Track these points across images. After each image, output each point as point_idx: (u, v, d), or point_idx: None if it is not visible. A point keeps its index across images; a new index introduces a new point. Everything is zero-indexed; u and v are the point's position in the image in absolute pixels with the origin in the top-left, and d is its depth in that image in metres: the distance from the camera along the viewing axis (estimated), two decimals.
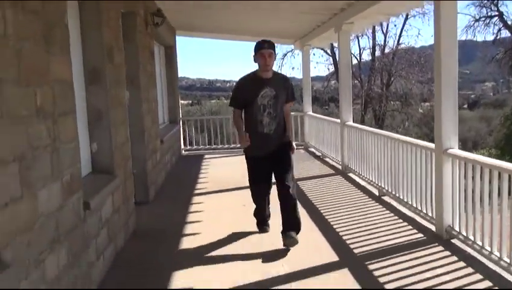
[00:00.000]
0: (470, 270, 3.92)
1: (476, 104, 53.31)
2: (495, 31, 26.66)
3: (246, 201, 5.75)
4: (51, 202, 2.98)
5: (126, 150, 5.26)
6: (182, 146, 12.25)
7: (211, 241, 4.92)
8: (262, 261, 4.34)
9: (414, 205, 5.36)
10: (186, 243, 4.96)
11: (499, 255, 3.87)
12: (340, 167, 8.73)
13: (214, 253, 4.60)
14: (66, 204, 3.25)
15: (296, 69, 30.47)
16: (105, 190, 4.14)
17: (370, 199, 6.20)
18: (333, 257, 4.38)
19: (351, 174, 8.03)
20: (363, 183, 7.24)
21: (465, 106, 51.95)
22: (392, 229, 5.03)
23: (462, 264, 4.04)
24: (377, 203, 5.93)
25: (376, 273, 3.88)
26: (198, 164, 10.20)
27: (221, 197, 7.06)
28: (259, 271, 4.10)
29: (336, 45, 19.54)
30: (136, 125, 6.28)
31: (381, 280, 3.74)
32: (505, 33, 26.57)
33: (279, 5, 7.72)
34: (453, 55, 4.72)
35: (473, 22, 26.91)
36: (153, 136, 7.34)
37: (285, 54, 25.08)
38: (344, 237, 4.90)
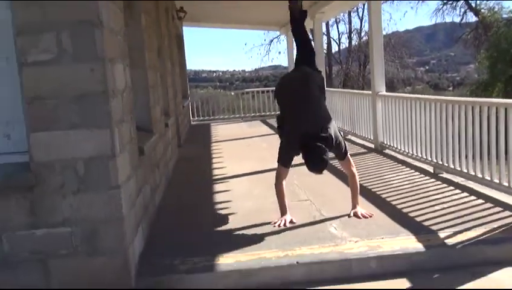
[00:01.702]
0: (391, 161, 6.70)
1: (460, 85, 55.47)
2: (461, 14, 29.43)
3: (247, 144, 8.49)
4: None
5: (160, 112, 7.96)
6: (191, 117, 14.93)
7: (230, 162, 7.65)
8: None
9: (363, 135, 8.15)
10: (214, 162, 7.70)
11: (407, 152, 6.62)
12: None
13: (234, 169, 7.34)
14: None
15: (282, 54, 33.10)
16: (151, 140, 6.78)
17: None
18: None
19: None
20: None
21: (450, 88, 53.19)
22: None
23: (389, 160, 6.80)
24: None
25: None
26: (207, 128, 12.95)
27: (229, 143, 9.82)
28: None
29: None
30: (171, 92, 8.95)
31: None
32: (470, 15, 29.32)
33: None
34: (379, 38, 7.50)
35: (441, 6, 29.80)
36: (178, 103, 10.01)
37: (272, 40, 27.78)
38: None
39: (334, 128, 4.14)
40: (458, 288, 3.15)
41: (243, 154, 8.24)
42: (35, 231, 3.11)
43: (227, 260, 3.50)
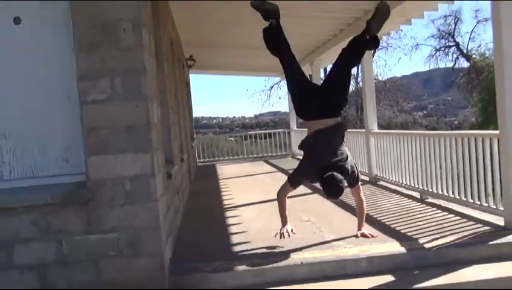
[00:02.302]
0: (383, 190, 7.45)
1: (459, 129, 56.34)
2: (453, 60, 30.68)
3: (252, 180, 9.25)
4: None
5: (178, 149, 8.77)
6: (197, 159, 15.74)
7: (238, 195, 8.40)
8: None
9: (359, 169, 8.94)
10: (223, 194, 8.44)
11: (397, 181, 7.39)
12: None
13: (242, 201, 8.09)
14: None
15: (282, 98, 34.27)
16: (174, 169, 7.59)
17: None
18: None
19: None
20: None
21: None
22: None
23: (382, 190, 7.56)
24: None
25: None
26: (212, 168, 13.72)
27: (235, 180, 10.58)
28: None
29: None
30: (183, 132, 9.78)
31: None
32: (463, 60, 30.56)
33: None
34: (370, 82, 8.40)
35: (434, 52, 31.13)
36: (188, 143, 10.83)
37: (272, 86, 28.91)
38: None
39: (350, 159, 4.56)
40: (433, 280, 3.87)
41: (249, 188, 9.00)
42: (90, 237, 3.86)
43: (243, 263, 4.23)
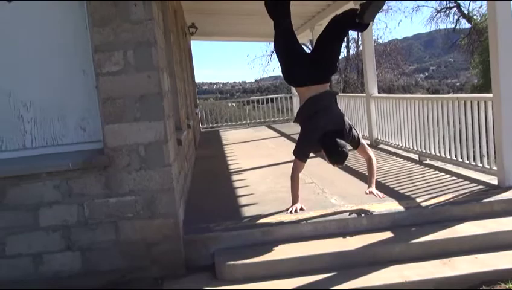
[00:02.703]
0: (384, 153, 7.71)
1: (460, 91, 56.25)
2: (454, 21, 30.55)
3: (256, 145, 9.51)
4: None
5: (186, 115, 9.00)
6: (200, 125, 15.99)
7: (243, 159, 8.68)
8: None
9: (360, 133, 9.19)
10: (229, 159, 8.71)
11: (397, 144, 7.64)
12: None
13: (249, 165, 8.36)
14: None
15: None
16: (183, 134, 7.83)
17: None
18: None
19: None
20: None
21: (451, 94, 54.35)
22: None
23: (382, 153, 7.81)
24: None
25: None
26: (216, 134, 13.99)
27: (239, 145, 10.85)
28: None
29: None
30: (188, 99, 10.00)
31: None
32: (464, 22, 30.45)
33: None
34: (370, 46, 8.56)
35: (435, 14, 30.97)
36: (192, 109, 11.06)
37: (273, 52, 28.87)
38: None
39: (347, 122, 4.70)
40: (429, 236, 4.16)
41: (254, 153, 9.28)
42: (109, 199, 4.13)
43: (252, 222, 4.53)
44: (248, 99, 18.28)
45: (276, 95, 17.56)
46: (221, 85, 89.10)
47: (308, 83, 4.65)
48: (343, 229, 4.39)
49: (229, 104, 21.28)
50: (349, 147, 4.58)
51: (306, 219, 4.46)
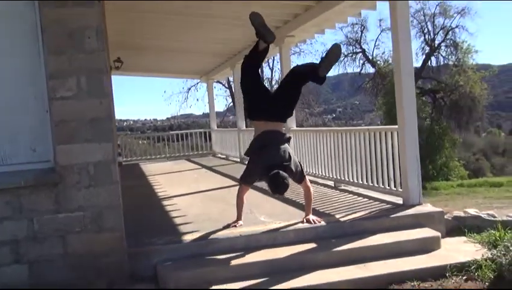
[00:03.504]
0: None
1: None
2: (360, 65, 32.74)
3: (179, 175, 9.92)
4: None
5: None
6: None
7: (170, 187, 9.05)
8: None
9: None
10: (155, 188, 9.04)
11: (314, 173, 8.32)
12: (238, 158, 12.74)
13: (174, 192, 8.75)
14: None
15: (200, 100, 35.22)
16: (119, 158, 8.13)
17: None
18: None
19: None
20: None
21: None
22: None
23: None
24: None
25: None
26: (137, 166, 14.21)
27: (163, 176, 11.20)
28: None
29: (231, 79, 24.31)
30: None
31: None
32: (369, 66, 32.70)
33: (189, 49, 11.96)
34: None
35: (343, 58, 32.97)
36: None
37: (190, 88, 29.55)
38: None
39: (293, 158, 5.09)
40: (347, 245, 4.79)
41: (179, 182, 9.68)
42: (58, 215, 4.41)
43: (190, 237, 4.96)
44: (169, 134, 18.43)
45: (193, 130, 17.97)
46: (131, 122, 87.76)
47: (266, 117, 5.10)
48: (273, 241, 4.92)
49: (140, 142, 21.35)
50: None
51: (240, 233, 4.95)
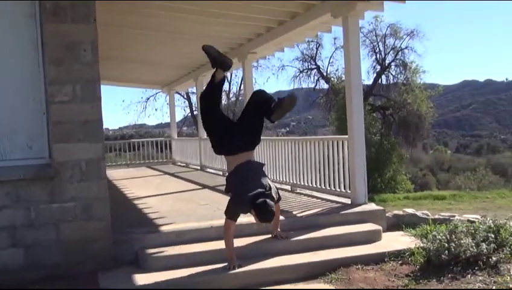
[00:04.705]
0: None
1: None
2: (314, 81, 33.87)
3: (143, 180, 10.53)
4: None
5: None
6: None
7: (137, 190, 9.65)
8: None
9: None
10: (122, 190, 9.63)
11: (272, 178, 9.11)
12: (198, 166, 13.66)
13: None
14: None
15: (159, 110, 35.76)
16: None
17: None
18: None
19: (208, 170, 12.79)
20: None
21: None
22: None
23: None
24: None
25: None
26: None
27: (128, 180, 11.77)
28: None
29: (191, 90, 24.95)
30: None
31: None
32: (323, 82, 33.87)
33: (155, 61, 12.52)
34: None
35: (298, 73, 34.12)
36: None
37: (148, 98, 29.99)
38: None
39: (272, 185, 5.13)
40: (303, 236, 5.57)
41: (144, 186, 10.32)
42: (53, 205, 5.03)
43: (167, 228, 5.65)
44: (128, 142, 18.78)
45: (153, 139, 18.52)
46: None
47: (237, 151, 5.09)
48: (239, 233, 5.62)
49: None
50: None
51: (211, 225, 5.67)
